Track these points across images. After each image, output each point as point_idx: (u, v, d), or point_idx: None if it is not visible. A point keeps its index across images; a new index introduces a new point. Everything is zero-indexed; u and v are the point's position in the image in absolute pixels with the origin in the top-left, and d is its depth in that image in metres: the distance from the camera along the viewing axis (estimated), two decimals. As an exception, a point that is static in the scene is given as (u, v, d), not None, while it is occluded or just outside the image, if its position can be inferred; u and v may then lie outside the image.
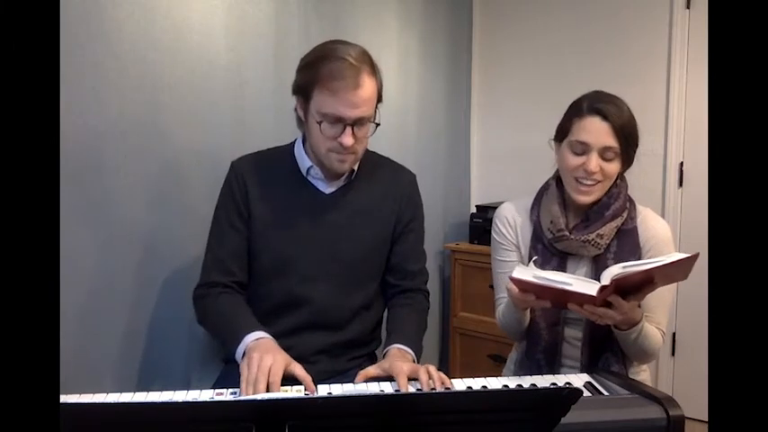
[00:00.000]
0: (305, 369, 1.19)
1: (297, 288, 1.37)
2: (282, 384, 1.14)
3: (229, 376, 1.27)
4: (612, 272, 1.15)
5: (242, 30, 1.74)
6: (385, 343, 1.35)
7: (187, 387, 1.23)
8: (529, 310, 1.38)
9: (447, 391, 1.13)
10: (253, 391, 1.10)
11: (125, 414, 0.74)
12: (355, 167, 1.39)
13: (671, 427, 1.01)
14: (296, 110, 1.35)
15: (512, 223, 1.47)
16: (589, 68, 2.69)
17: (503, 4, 2.94)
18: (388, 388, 1.18)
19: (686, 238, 2.56)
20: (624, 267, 1.15)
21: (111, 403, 1.00)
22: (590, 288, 1.14)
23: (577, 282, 1.16)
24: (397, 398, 0.88)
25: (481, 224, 2.66)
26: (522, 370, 1.44)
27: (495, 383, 1.22)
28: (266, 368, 1.13)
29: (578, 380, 1.25)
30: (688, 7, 2.51)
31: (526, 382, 1.24)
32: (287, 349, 1.26)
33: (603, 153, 1.31)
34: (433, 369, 1.20)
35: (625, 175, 1.41)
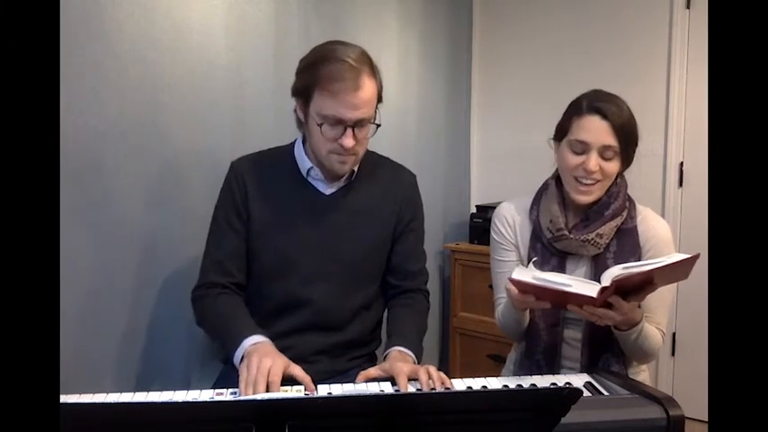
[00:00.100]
0: (305, 369, 1.19)
1: (297, 289, 1.37)
2: (282, 385, 1.14)
3: (229, 376, 1.27)
4: (613, 273, 1.15)
5: (242, 30, 1.74)
6: (386, 345, 1.35)
7: (187, 387, 1.23)
8: (528, 311, 1.38)
9: (447, 391, 1.13)
10: (252, 391, 1.10)
11: (125, 414, 0.74)
12: (355, 168, 1.39)
13: (671, 427, 1.01)
14: (296, 111, 1.35)
15: (511, 223, 1.47)
16: (589, 68, 2.69)
17: (503, 4, 2.94)
18: (388, 388, 1.18)
19: (686, 238, 2.56)
20: (625, 268, 1.15)
21: (111, 403, 1.00)
22: (590, 289, 1.14)
23: (577, 283, 1.15)
24: (397, 398, 0.88)
25: (481, 224, 2.66)
26: (521, 370, 1.44)
27: (495, 383, 1.22)
28: (266, 370, 1.13)
29: (578, 380, 1.24)
30: (688, 7, 2.51)
31: (526, 382, 1.24)
32: (287, 349, 1.26)
33: (603, 152, 1.31)
34: (433, 369, 1.20)
35: (625, 174, 1.41)
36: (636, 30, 2.61)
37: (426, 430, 0.79)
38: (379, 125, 1.32)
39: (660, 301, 1.34)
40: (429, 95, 2.68)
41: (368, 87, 1.25)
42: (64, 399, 1.03)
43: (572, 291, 1.14)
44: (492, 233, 1.50)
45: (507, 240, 1.46)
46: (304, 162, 1.39)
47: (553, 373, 1.36)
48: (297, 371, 1.17)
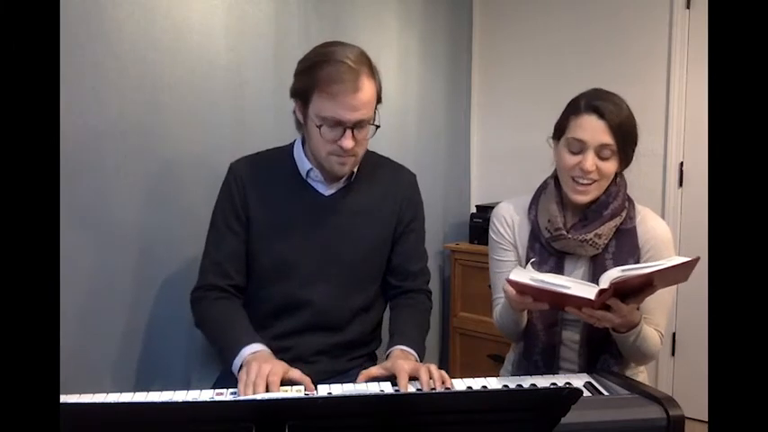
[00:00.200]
0: (305, 369, 1.19)
1: (297, 291, 1.37)
2: (282, 385, 1.14)
3: (229, 376, 1.27)
4: (611, 275, 1.14)
5: (242, 30, 1.74)
6: (388, 344, 1.35)
7: (187, 387, 1.23)
8: (526, 312, 1.37)
9: (447, 391, 1.13)
10: (252, 392, 1.10)
11: (125, 414, 0.74)
12: (355, 169, 1.39)
13: (671, 427, 1.01)
14: (295, 113, 1.35)
15: (509, 222, 1.46)
16: (589, 68, 2.69)
17: (503, 4, 2.94)
18: (388, 388, 1.18)
19: (686, 238, 2.56)
20: (623, 271, 1.14)
21: (111, 403, 1.00)
22: (588, 291, 1.13)
23: (575, 285, 1.15)
24: (397, 398, 0.88)
25: (481, 224, 2.66)
26: (519, 371, 1.44)
27: (495, 383, 1.22)
28: (265, 372, 1.13)
29: (578, 380, 1.24)
30: (688, 7, 2.51)
31: (526, 382, 1.24)
32: (287, 350, 1.26)
33: (600, 151, 1.30)
34: (434, 368, 1.20)
35: (624, 174, 1.40)
36: (636, 30, 2.61)
37: (426, 430, 0.79)
38: (378, 126, 1.32)
39: (659, 302, 1.33)
40: (429, 95, 2.68)
41: (367, 88, 1.25)
42: (64, 399, 1.03)
43: (570, 293, 1.13)
44: (490, 233, 1.49)
45: (506, 240, 1.46)
46: (303, 163, 1.38)
47: (552, 374, 1.35)
48: (296, 374, 1.17)
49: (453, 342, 2.78)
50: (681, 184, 2.59)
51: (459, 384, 1.19)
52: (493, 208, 1.52)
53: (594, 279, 1.20)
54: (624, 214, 1.36)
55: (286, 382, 1.15)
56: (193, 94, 1.61)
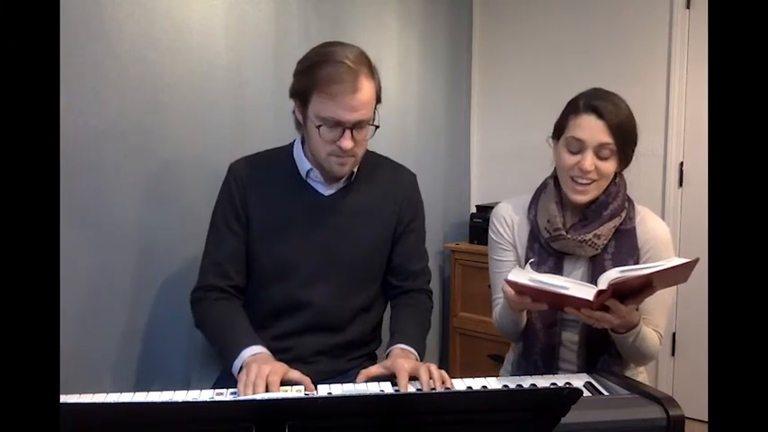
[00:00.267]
0: (305, 370, 1.19)
1: (297, 292, 1.37)
2: (282, 385, 1.14)
3: (229, 376, 1.27)
4: (610, 276, 1.13)
5: (242, 30, 1.74)
6: (388, 343, 1.35)
7: (187, 387, 1.23)
8: (525, 312, 1.37)
9: (447, 391, 1.13)
10: (252, 392, 1.10)
11: (125, 414, 0.74)
12: (355, 169, 1.39)
13: (671, 427, 1.01)
14: (294, 113, 1.35)
15: (509, 222, 1.46)
16: (589, 68, 2.69)
17: (503, 4, 2.94)
18: (387, 388, 1.18)
19: (686, 238, 2.56)
20: (622, 272, 1.14)
21: (111, 403, 1.00)
22: (587, 292, 1.13)
23: (574, 286, 1.15)
24: (396, 398, 0.88)
25: (481, 224, 2.66)
26: (518, 371, 1.44)
27: (495, 383, 1.22)
28: (265, 373, 1.13)
29: (578, 380, 1.24)
30: (688, 7, 2.51)
31: (526, 382, 1.24)
32: (287, 350, 1.26)
33: (599, 151, 1.30)
34: (434, 367, 1.20)
35: (624, 174, 1.40)
36: (636, 30, 2.61)
37: (426, 430, 0.79)
38: (377, 126, 1.32)
39: (659, 303, 1.33)
40: (429, 95, 2.68)
41: (366, 89, 1.25)
42: (64, 399, 1.03)
43: (569, 293, 1.13)
44: (490, 233, 1.49)
45: (505, 240, 1.46)
46: (303, 163, 1.38)
47: (551, 374, 1.35)
48: (296, 375, 1.17)
49: (453, 342, 2.78)
50: (681, 184, 2.59)
51: (459, 384, 1.19)
52: (493, 208, 1.52)
53: (593, 279, 1.19)
54: (624, 214, 1.36)
55: (286, 382, 1.15)
56: (193, 94, 1.61)
